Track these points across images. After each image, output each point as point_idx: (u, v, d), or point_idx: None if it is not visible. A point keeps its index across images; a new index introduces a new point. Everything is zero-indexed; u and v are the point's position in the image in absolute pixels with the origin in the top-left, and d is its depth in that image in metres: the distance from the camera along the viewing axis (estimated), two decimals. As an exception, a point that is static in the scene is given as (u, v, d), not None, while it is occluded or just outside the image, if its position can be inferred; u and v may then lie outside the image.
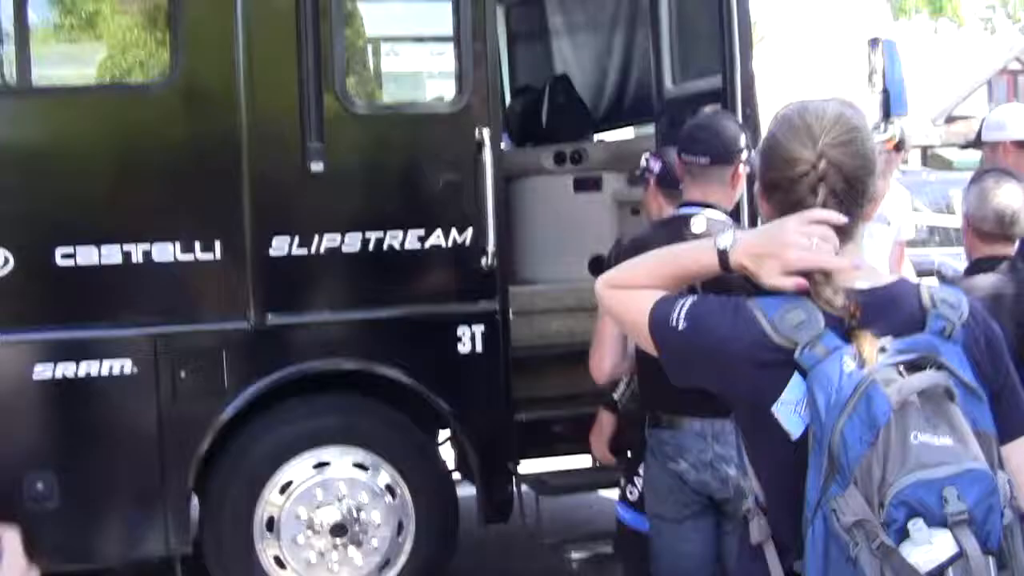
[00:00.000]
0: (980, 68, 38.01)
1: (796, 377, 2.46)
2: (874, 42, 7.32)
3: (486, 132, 6.28)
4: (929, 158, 30.51)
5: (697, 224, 4.12)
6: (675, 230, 4.27)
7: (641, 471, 4.74)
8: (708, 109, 5.99)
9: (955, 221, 11.89)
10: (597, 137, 9.19)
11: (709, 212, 4.40)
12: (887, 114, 6.93)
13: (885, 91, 7.02)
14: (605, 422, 5.25)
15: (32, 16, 6.17)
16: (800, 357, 2.45)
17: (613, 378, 4.81)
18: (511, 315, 6.45)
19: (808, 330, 2.47)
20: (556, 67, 9.55)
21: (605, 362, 4.68)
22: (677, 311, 2.62)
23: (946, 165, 26.97)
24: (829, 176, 2.54)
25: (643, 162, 5.10)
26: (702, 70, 7.10)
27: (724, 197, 4.57)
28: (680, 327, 2.61)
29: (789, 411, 2.48)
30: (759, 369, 2.51)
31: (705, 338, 2.59)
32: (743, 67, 6.47)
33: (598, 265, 8.38)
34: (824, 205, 2.54)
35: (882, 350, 2.42)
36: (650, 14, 7.62)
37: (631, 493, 4.90)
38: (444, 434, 7.02)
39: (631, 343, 4.46)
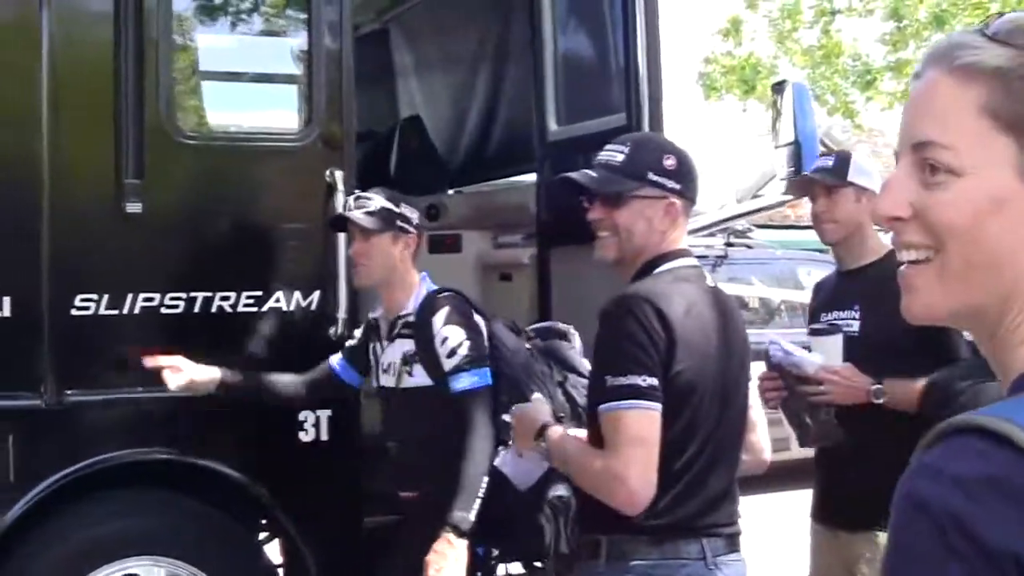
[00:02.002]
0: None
1: None
2: (780, 87, 6.97)
3: (339, 174, 5.74)
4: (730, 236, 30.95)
5: (711, 278, 4.09)
6: (695, 282, 4.01)
7: None
8: None
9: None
10: (455, 189, 8.80)
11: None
12: (798, 169, 6.56)
13: (796, 143, 6.66)
14: None
15: None
16: None
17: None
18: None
19: None
20: (402, 110, 9.20)
21: (653, 478, 3.75)
22: None
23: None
24: None
25: None
26: (593, 109, 6.70)
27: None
28: None
29: None
30: None
31: None
32: (652, 104, 6.06)
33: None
34: None
35: None
36: (531, 47, 7.19)
37: None
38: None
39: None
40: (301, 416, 5.72)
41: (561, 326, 5.41)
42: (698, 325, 3.81)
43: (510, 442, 4.64)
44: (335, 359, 5.46)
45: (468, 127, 8.72)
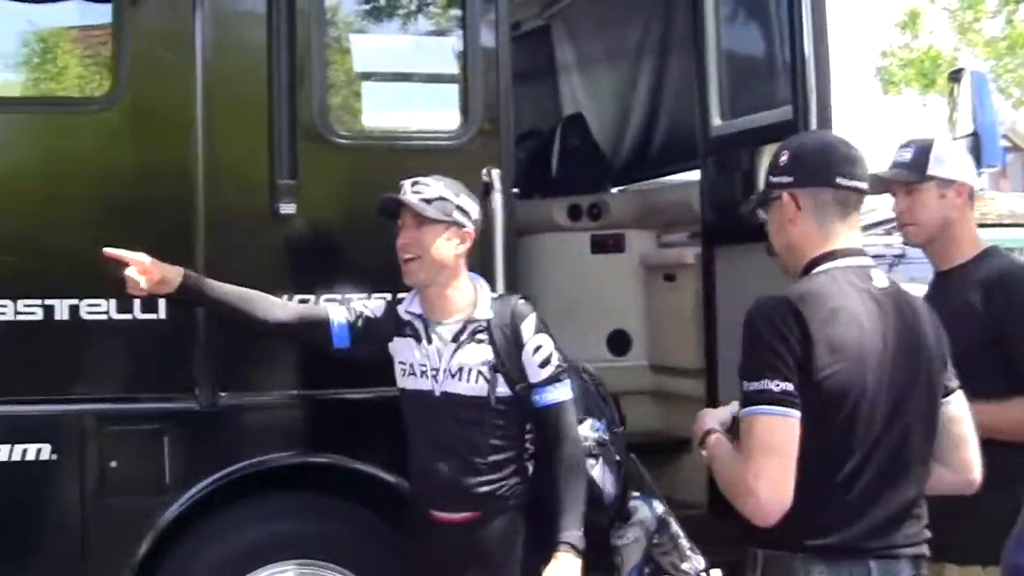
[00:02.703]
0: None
1: None
2: (957, 75, 6.71)
3: (495, 173, 5.65)
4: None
5: (879, 278, 3.85)
6: (858, 284, 3.82)
7: None
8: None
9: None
10: (618, 188, 8.67)
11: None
12: (978, 163, 6.30)
13: (974, 134, 6.40)
14: None
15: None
16: None
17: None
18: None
19: None
20: (565, 107, 9.10)
21: (786, 490, 3.61)
22: None
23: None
24: None
25: None
26: (758, 103, 6.55)
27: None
28: None
29: None
30: None
31: None
32: (820, 96, 5.88)
33: (620, 342, 7.82)
34: None
35: None
36: (694, 41, 7.05)
37: None
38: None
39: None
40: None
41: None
42: (851, 327, 3.64)
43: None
44: (335, 312, 5.07)
45: (631, 124, 8.58)
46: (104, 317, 5.25)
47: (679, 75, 7.78)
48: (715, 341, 6.54)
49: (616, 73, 8.80)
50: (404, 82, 5.96)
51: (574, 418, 4.97)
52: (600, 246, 7.70)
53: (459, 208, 4.90)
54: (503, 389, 4.88)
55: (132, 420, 5.33)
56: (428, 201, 4.84)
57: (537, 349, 4.87)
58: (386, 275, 5.51)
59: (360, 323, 5.06)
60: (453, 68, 5.86)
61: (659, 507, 5.30)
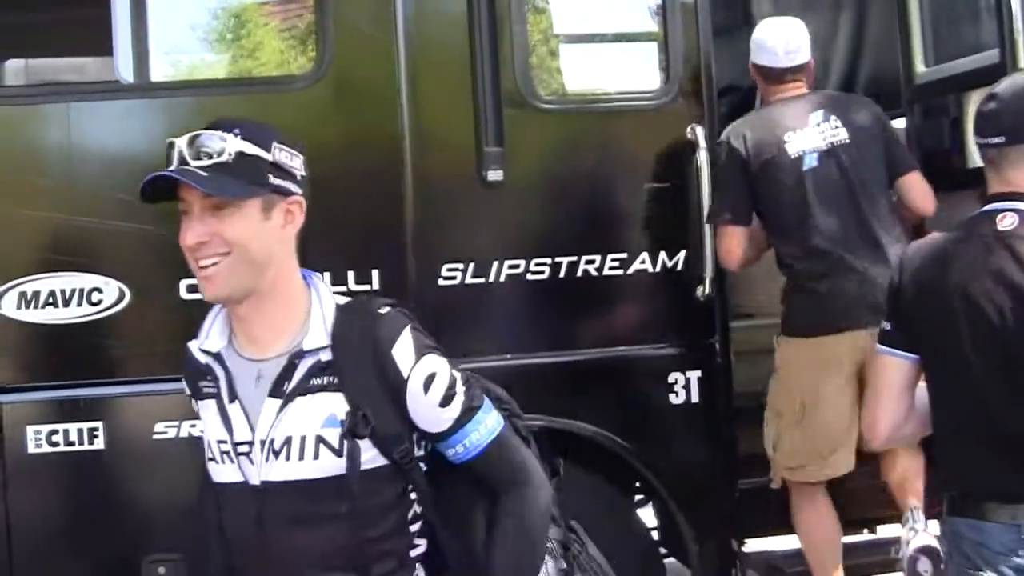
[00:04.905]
0: None
1: None
2: None
3: (699, 130, 5.63)
4: None
5: (1007, 222, 3.62)
6: (977, 234, 3.68)
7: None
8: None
9: None
10: None
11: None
12: None
13: None
14: None
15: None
16: None
17: (892, 444, 4.01)
18: (733, 357, 5.81)
19: None
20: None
21: (880, 422, 3.89)
22: None
23: None
24: None
25: None
26: (964, 48, 6.39)
27: None
28: None
29: None
30: None
31: None
32: (1028, 38, 5.72)
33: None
34: None
35: None
36: (896, -13, 6.92)
37: None
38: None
39: (922, 398, 3.80)
40: (671, 378, 5.63)
41: None
42: (953, 275, 3.66)
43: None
44: None
45: (832, 73, 8.42)
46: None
47: (879, 23, 7.63)
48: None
49: (815, 23, 8.61)
50: (604, 43, 5.93)
51: (523, 446, 3.32)
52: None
53: (275, 166, 3.14)
54: (373, 460, 3.11)
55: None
56: (223, 168, 3.06)
57: (429, 382, 3.12)
58: (595, 235, 5.55)
59: None
60: (653, 26, 5.83)
61: None
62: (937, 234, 3.93)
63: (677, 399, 5.65)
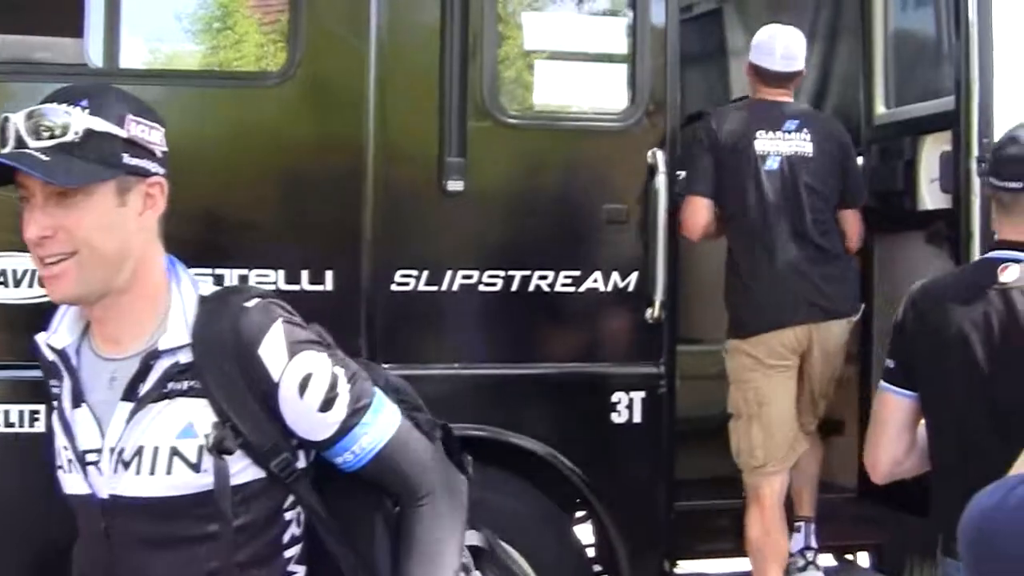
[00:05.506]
0: None
1: None
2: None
3: (660, 155, 5.67)
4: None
5: (1008, 274, 3.66)
6: (979, 279, 3.75)
7: None
8: None
9: None
10: None
11: None
12: None
13: None
14: None
15: None
16: None
17: (893, 478, 4.06)
18: (678, 381, 5.83)
19: None
20: (733, 91, 9.02)
21: (881, 459, 3.98)
22: None
23: None
24: None
25: None
26: (923, 92, 6.48)
27: None
28: None
29: None
30: None
31: None
32: (982, 87, 5.76)
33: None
34: None
35: None
36: (861, 26, 7.01)
37: None
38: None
39: (923, 435, 3.89)
40: (615, 397, 5.65)
41: None
42: (952, 319, 3.72)
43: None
44: None
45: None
46: (272, 288, 5.26)
47: (846, 61, 7.70)
48: (871, 326, 6.48)
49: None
50: (574, 61, 5.96)
51: (425, 444, 2.93)
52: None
53: (130, 143, 2.73)
54: (245, 472, 2.76)
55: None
56: (68, 148, 2.65)
57: (305, 384, 2.75)
58: (550, 252, 5.58)
59: None
60: (623, 48, 5.86)
61: None
62: (942, 276, 4.06)
63: (620, 418, 5.66)
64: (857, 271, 6.35)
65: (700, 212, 6.00)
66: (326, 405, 2.76)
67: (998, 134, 5.51)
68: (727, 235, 6.15)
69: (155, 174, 2.78)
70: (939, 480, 3.83)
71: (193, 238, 5.28)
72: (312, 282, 5.33)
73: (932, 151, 6.16)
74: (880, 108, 6.82)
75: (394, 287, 5.41)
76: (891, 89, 6.81)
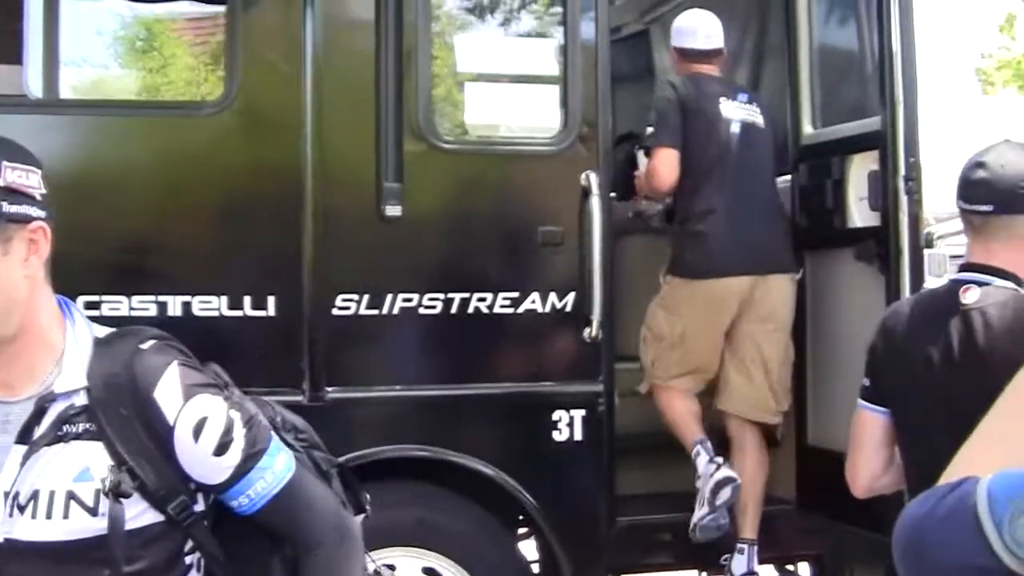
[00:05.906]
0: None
1: None
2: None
3: (593, 177, 5.73)
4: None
5: (969, 295, 3.71)
6: (945, 300, 3.78)
7: None
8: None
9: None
10: None
11: (996, 281, 3.75)
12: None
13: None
14: None
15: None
16: None
17: (873, 493, 4.14)
18: (617, 398, 5.89)
19: None
20: (662, 112, 9.02)
21: (859, 474, 4.06)
22: None
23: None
24: None
25: None
26: (849, 112, 6.56)
27: (1018, 259, 3.80)
28: None
29: None
30: None
31: None
32: (906, 108, 5.87)
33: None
34: None
35: None
36: (787, 47, 7.08)
37: None
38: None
39: (899, 451, 3.98)
40: (556, 416, 5.70)
41: None
42: (917, 338, 3.79)
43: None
44: None
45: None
46: (216, 314, 5.32)
47: (773, 82, 7.77)
48: (805, 345, 6.56)
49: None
50: (507, 84, 6.01)
51: (320, 490, 3.02)
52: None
53: (8, 191, 2.71)
54: (143, 516, 2.79)
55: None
56: None
57: (200, 428, 2.78)
58: (488, 274, 5.64)
59: None
60: (554, 70, 5.92)
61: None
62: (914, 296, 4.19)
63: (560, 436, 5.70)
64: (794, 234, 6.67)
65: (671, 162, 6.43)
66: (221, 449, 2.79)
67: (924, 153, 5.70)
68: (683, 187, 6.47)
69: (36, 218, 2.73)
70: (910, 496, 3.88)
71: (136, 266, 5.35)
72: (254, 308, 5.36)
73: (860, 170, 6.24)
74: (807, 128, 6.91)
75: (336, 311, 5.44)
76: (817, 109, 6.90)
